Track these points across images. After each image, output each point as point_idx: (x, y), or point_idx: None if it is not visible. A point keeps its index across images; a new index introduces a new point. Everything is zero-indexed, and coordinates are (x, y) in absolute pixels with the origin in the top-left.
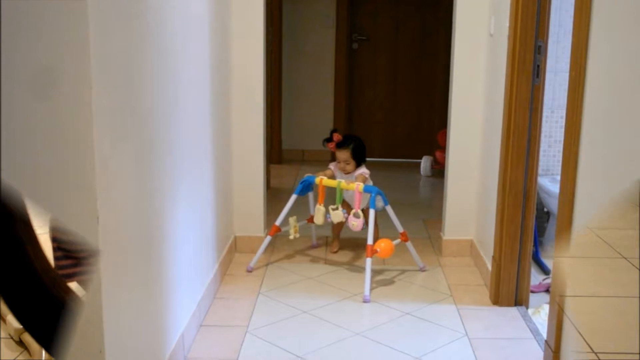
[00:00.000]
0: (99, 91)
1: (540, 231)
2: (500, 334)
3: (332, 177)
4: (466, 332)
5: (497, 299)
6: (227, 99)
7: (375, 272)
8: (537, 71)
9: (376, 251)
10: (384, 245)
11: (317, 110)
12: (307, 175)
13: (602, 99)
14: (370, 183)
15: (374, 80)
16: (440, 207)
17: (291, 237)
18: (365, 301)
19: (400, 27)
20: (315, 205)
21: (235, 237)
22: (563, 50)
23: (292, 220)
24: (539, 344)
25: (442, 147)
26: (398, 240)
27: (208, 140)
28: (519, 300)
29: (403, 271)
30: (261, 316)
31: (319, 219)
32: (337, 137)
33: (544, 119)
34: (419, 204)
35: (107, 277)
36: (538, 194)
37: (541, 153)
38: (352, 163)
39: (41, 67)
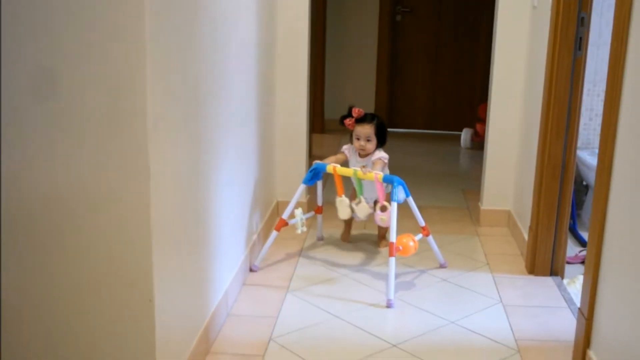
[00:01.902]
0: (153, 54)
1: (578, 204)
2: (535, 302)
3: (345, 162)
4: (501, 299)
5: (533, 269)
6: (272, 67)
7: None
8: (580, 43)
9: (398, 249)
10: (405, 241)
11: (359, 81)
12: (316, 162)
13: None
14: (387, 171)
15: (416, 52)
16: (479, 178)
17: (299, 231)
18: (388, 306)
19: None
20: (323, 194)
21: (278, 202)
22: (607, 24)
23: (298, 212)
24: (572, 313)
25: (483, 120)
26: (420, 236)
27: (253, 106)
28: (554, 270)
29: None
30: (302, 278)
31: (343, 213)
32: (357, 111)
33: (585, 92)
34: (458, 175)
35: (157, 231)
36: (577, 167)
37: (582, 126)
38: (374, 141)
39: (96, 27)
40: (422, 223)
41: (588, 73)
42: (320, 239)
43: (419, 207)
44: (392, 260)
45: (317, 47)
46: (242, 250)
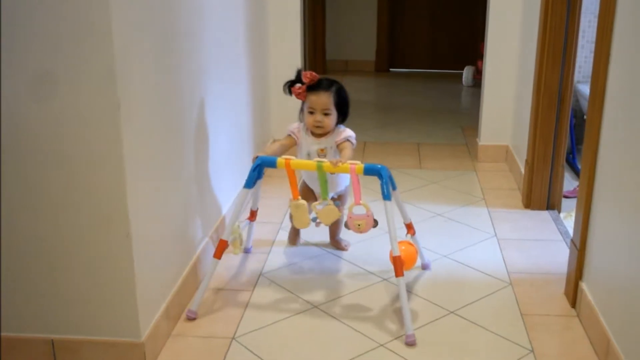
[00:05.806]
0: None
1: (579, 139)
2: (529, 236)
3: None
4: (495, 233)
5: (529, 203)
6: (263, 6)
7: (407, 175)
8: None
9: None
10: (404, 249)
11: (360, 21)
12: (260, 154)
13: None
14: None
15: None
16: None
17: (236, 252)
18: (409, 344)
19: None
20: (259, 195)
21: (274, 140)
22: None
23: (235, 228)
24: (568, 246)
25: None
26: (409, 236)
27: (242, 44)
28: (551, 204)
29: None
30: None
31: (302, 222)
32: (310, 75)
33: (587, 24)
34: (459, 112)
35: (130, 165)
36: (579, 100)
37: (583, 59)
38: (334, 115)
39: None
40: (408, 220)
41: (591, 3)
42: (248, 251)
43: (419, 145)
44: (402, 282)
45: None
46: (236, 186)
